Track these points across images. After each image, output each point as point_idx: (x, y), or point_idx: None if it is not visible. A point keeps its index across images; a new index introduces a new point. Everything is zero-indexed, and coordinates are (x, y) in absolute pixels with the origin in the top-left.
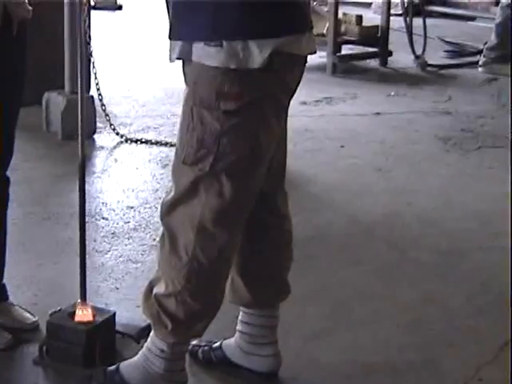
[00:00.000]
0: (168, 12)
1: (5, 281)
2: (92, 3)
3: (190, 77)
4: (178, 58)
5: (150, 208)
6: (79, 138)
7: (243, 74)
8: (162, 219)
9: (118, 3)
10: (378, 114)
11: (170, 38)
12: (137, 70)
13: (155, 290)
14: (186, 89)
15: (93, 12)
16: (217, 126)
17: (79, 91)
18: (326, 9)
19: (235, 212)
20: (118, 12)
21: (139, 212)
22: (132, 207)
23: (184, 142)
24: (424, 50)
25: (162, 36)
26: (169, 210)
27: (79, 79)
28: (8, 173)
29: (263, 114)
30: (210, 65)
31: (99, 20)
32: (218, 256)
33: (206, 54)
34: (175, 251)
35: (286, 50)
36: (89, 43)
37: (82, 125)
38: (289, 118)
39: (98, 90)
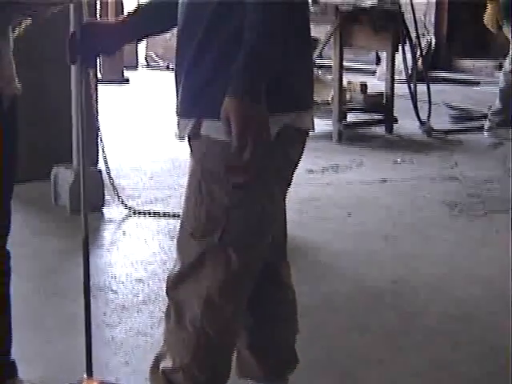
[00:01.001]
0: (177, 88)
1: (14, 357)
2: (99, 77)
3: (197, 151)
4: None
5: (159, 281)
6: (82, 214)
7: None
8: (167, 293)
9: (125, 77)
10: (385, 180)
11: (179, 115)
12: (144, 142)
13: (162, 365)
14: (191, 162)
15: (100, 85)
16: (226, 200)
17: (81, 169)
18: (330, 77)
19: (242, 283)
20: (124, 85)
21: (148, 285)
22: (141, 280)
23: (191, 215)
24: (429, 115)
25: (168, 108)
26: (175, 284)
27: (81, 157)
28: (15, 247)
29: (269, 186)
30: (218, 139)
31: (106, 93)
32: (225, 328)
33: (215, 128)
34: (182, 325)
35: (291, 125)
36: (96, 117)
37: (84, 204)
38: (295, 187)
39: (106, 162)
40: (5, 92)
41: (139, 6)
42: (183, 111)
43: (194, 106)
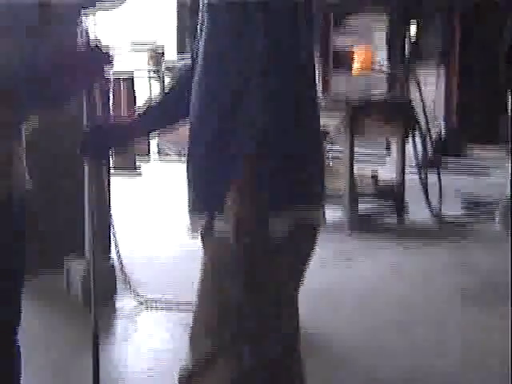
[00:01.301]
0: (189, 183)
1: None
2: (111, 165)
3: (209, 247)
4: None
5: (171, 374)
6: (92, 312)
7: None
8: None
9: (137, 165)
10: (397, 270)
11: (191, 211)
12: (156, 232)
13: None
14: (204, 258)
15: (112, 174)
16: (238, 297)
17: (91, 269)
18: (341, 166)
19: (254, 379)
20: (137, 173)
21: (161, 377)
22: (152, 373)
23: (204, 311)
24: (440, 204)
25: (180, 197)
26: (187, 380)
27: (92, 258)
28: (27, 339)
29: (281, 284)
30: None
31: (118, 182)
32: None
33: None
34: None
35: (303, 221)
36: (109, 207)
37: (95, 302)
38: (307, 278)
39: (118, 252)
40: (16, 189)
41: (150, 101)
42: (196, 208)
43: (206, 203)
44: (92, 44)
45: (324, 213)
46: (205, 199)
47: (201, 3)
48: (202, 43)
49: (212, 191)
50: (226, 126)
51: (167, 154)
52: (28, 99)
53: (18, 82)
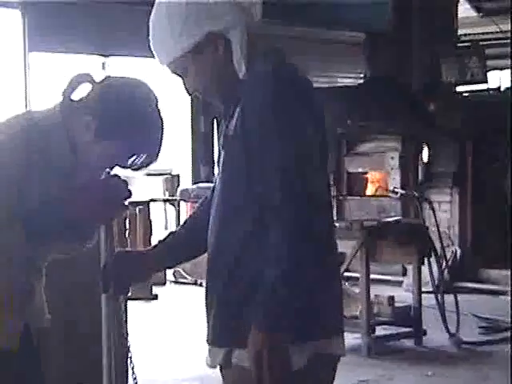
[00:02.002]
0: (207, 312)
1: None
2: (128, 295)
3: (229, 379)
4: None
5: None
6: None
7: None
8: None
9: (154, 293)
10: None
11: (210, 343)
12: (173, 360)
13: None
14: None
15: (129, 302)
16: None
17: None
18: (357, 290)
19: None
20: (153, 302)
21: None
22: None
23: None
24: (458, 327)
25: (197, 325)
26: None
27: None
28: None
29: None
30: (250, 368)
31: (135, 309)
32: None
33: (247, 357)
34: None
35: (322, 351)
36: (126, 338)
37: None
38: None
39: (136, 383)
40: (35, 325)
41: (169, 234)
42: (215, 339)
43: (225, 334)
44: (113, 175)
45: (343, 342)
46: (224, 333)
47: (217, 135)
48: (219, 175)
49: (232, 327)
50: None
51: (183, 283)
52: (53, 238)
53: (45, 222)
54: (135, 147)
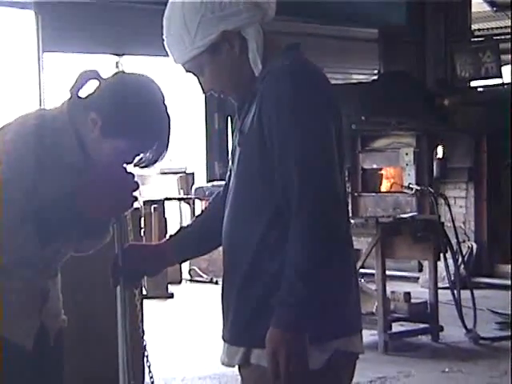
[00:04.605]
0: (224, 310)
1: None
2: (144, 293)
3: (248, 379)
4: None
5: None
6: None
7: None
8: None
9: (169, 291)
10: None
11: (228, 342)
12: (190, 357)
13: None
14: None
15: (145, 301)
16: None
17: None
18: (373, 287)
19: None
20: (169, 300)
21: None
22: None
23: None
24: (475, 322)
25: (214, 323)
26: None
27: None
28: None
29: None
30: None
31: (151, 308)
32: None
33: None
34: None
35: (342, 349)
36: (142, 335)
37: None
38: None
39: (152, 381)
40: (51, 326)
41: (181, 229)
42: (233, 338)
43: (244, 333)
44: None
45: (362, 339)
46: (243, 333)
47: (231, 132)
48: (233, 172)
49: (251, 327)
50: (261, 262)
51: (199, 281)
52: (66, 236)
53: (58, 219)
54: (141, 145)
